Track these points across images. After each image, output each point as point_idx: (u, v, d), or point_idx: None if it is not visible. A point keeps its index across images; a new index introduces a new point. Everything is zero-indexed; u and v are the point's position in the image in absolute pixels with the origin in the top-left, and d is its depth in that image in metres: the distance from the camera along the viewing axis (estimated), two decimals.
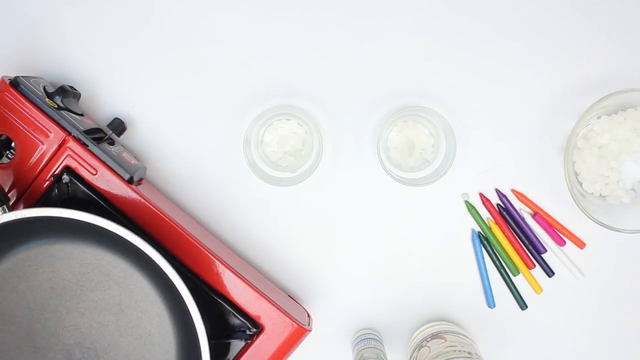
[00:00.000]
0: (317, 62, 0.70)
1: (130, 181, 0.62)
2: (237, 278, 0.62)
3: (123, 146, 0.69)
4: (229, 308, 0.62)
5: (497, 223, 0.70)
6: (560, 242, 0.70)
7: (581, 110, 0.69)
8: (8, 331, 0.59)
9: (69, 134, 0.61)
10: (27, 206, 0.62)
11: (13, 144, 0.62)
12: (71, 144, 0.61)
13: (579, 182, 0.69)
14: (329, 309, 0.72)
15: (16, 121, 0.61)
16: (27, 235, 0.58)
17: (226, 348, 0.63)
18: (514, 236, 0.70)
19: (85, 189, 0.61)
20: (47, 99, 0.62)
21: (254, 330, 0.62)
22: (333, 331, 0.72)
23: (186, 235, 0.62)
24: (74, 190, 0.61)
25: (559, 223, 0.70)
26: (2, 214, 0.56)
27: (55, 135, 0.61)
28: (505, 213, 0.70)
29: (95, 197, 0.61)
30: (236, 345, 0.62)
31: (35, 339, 0.59)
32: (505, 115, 0.70)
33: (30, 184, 0.61)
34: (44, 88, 0.63)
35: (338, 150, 0.70)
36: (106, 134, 0.67)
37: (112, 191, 0.62)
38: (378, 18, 0.69)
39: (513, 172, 0.70)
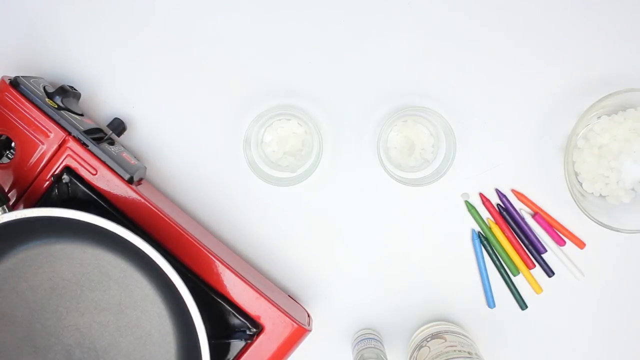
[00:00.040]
0: (317, 62, 0.70)
1: (130, 181, 0.62)
2: (237, 278, 0.62)
3: (123, 146, 0.69)
4: (229, 308, 0.62)
5: (497, 223, 0.70)
6: (560, 242, 0.70)
7: (581, 110, 0.69)
8: (8, 331, 0.59)
9: (69, 134, 0.61)
10: (27, 206, 0.62)
11: (13, 144, 0.62)
12: (71, 144, 0.61)
13: (579, 182, 0.69)
14: (329, 309, 0.72)
15: (16, 121, 0.61)
16: (27, 235, 0.58)
17: (226, 348, 0.63)
18: (514, 236, 0.70)
19: (85, 189, 0.61)
20: (47, 99, 0.62)
21: (254, 330, 0.62)
22: (333, 331, 0.72)
23: (186, 235, 0.62)
24: (74, 190, 0.61)
25: (559, 223, 0.70)
26: (2, 214, 0.56)
27: (55, 135, 0.61)
28: (505, 213, 0.70)
29: (95, 197, 0.61)
30: (236, 345, 0.62)
31: (35, 339, 0.59)
32: (505, 115, 0.70)
33: (30, 184, 0.61)
34: (44, 88, 0.63)
35: (338, 150, 0.70)
36: (106, 134, 0.67)
37: (112, 191, 0.62)
38: (378, 18, 0.69)
39: (513, 172, 0.70)
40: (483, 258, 0.71)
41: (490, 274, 0.71)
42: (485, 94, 0.70)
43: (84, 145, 0.61)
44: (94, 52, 0.70)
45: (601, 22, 0.69)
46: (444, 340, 0.65)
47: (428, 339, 0.67)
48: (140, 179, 0.67)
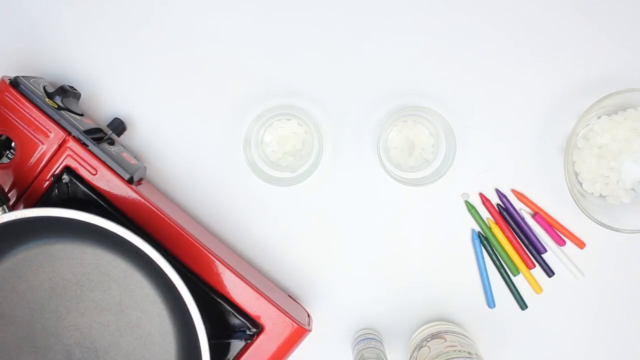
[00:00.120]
0: (317, 62, 0.70)
1: (130, 181, 0.62)
2: (237, 278, 0.62)
3: (123, 146, 0.69)
4: (229, 308, 0.62)
5: (497, 223, 0.70)
6: (560, 242, 0.70)
7: (581, 110, 0.69)
8: (8, 331, 0.59)
9: (69, 134, 0.61)
10: (27, 206, 0.62)
11: (13, 144, 0.62)
12: (71, 144, 0.61)
13: (579, 182, 0.69)
14: (329, 309, 0.72)
15: (16, 121, 0.61)
16: (27, 235, 0.58)
17: (226, 348, 0.63)
18: (514, 236, 0.70)
19: (85, 189, 0.61)
20: (47, 99, 0.62)
21: (254, 330, 0.62)
22: (333, 331, 0.72)
23: (186, 235, 0.62)
24: (74, 190, 0.61)
25: (559, 223, 0.70)
26: (2, 214, 0.56)
27: (55, 135, 0.61)
28: (505, 213, 0.70)
29: (95, 197, 0.61)
30: (236, 345, 0.62)
31: (35, 339, 0.59)
32: (505, 115, 0.70)
33: (30, 184, 0.61)
34: (44, 88, 0.63)
35: (338, 150, 0.70)
36: (106, 134, 0.67)
37: (112, 191, 0.62)
38: (378, 18, 0.69)
39: (513, 172, 0.70)
40: (483, 258, 0.71)
41: (490, 274, 0.71)
42: (485, 94, 0.70)
43: (84, 145, 0.61)
44: (94, 52, 0.70)
45: (601, 22, 0.69)
46: (444, 340, 0.65)
47: (428, 339, 0.67)
48: (140, 179, 0.67)
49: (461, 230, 0.71)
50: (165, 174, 0.71)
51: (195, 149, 0.70)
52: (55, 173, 0.61)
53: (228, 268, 0.62)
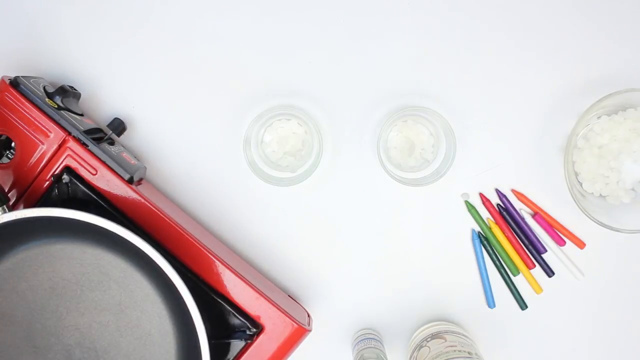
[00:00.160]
0: (317, 62, 0.70)
1: (130, 181, 0.62)
2: (237, 278, 0.62)
3: (123, 146, 0.69)
4: (229, 308, 0.62)
5: (497, 223, 0.70)
6: (560, 242, 0.70)
7: (581, 110, 0.69)
8: (8, 331, 0.59)
9: (69, 134, 0.61)
10: (27, 206, 0.62)
11: (13, 144, 0.62)
12: (71, 144, 0.61)
13: (579, 182, 0.69)
14: (329, 309, 0.72)
15: (16, 121, 0.61)
16: (27, 235, 0.58)
17: (226, 348, 0.63)
18: (514, 236, 0.70)
19: (85, 189, 0.61)
20: (47, 99, 0.62)
21: (254, 330, 0.62)
22: (333, 331, 0.72)
23: (186, 235, 0.62)
24: (74, 190, 0.61)
25: (559, 223, 0.70)
26: (2, 214, 0.56)
27: (55, 135, 0.61)
28: (505, 213, 0.70)
29: (95, 197, 0.61)
30: (236, 345, 0.62)
31: (35, 339, 0.59)
32: (505, 115, 0.70)
33: (30, 184, 0.61)
34: (44, 88, 0.63)
35: (338, 150, 0.70)
36: (106, 134, 0.67)
37: (112, 191, 0.62)
38: (378, 18, 0.69)
39: (513, 172, 0.70)
40: (483, 258, 0.71)
41: (490, 274, 0.71)
42: (485, 94, 0.70)
43: (84, 145, 0.61)
44: (94, 52, 0.70)
45: (601, 22, 0.69)
46: (444, 340, 0.65)
47: (428, 339, 0.67)
48: (140, 179, 0.67)
49: (461, 230, 0.71)
50: (165, 174, 0.71)
51: (195, 149, 0.70)
52: (55, 173, 0.61)
53: (228, 268, 0.62)
